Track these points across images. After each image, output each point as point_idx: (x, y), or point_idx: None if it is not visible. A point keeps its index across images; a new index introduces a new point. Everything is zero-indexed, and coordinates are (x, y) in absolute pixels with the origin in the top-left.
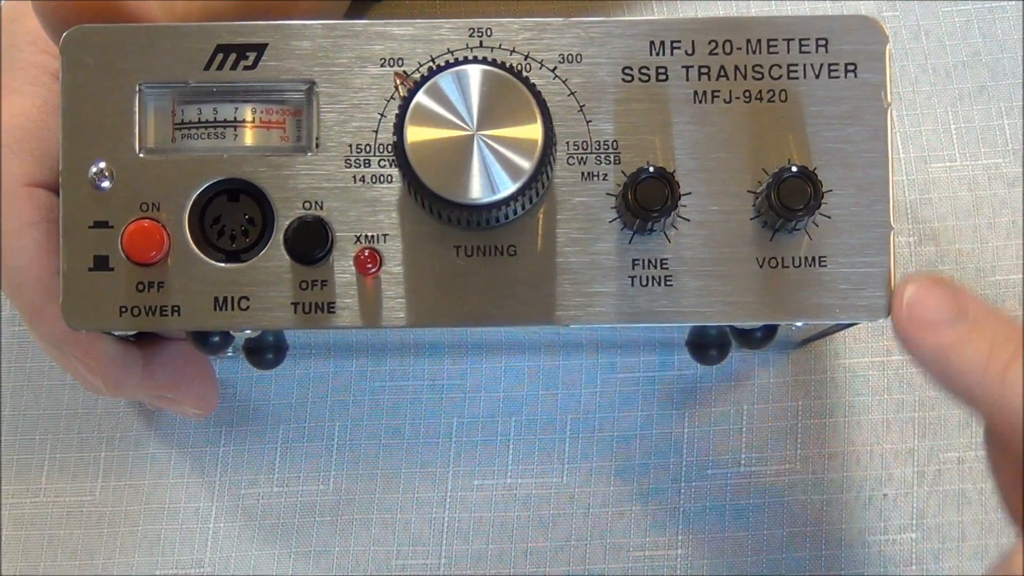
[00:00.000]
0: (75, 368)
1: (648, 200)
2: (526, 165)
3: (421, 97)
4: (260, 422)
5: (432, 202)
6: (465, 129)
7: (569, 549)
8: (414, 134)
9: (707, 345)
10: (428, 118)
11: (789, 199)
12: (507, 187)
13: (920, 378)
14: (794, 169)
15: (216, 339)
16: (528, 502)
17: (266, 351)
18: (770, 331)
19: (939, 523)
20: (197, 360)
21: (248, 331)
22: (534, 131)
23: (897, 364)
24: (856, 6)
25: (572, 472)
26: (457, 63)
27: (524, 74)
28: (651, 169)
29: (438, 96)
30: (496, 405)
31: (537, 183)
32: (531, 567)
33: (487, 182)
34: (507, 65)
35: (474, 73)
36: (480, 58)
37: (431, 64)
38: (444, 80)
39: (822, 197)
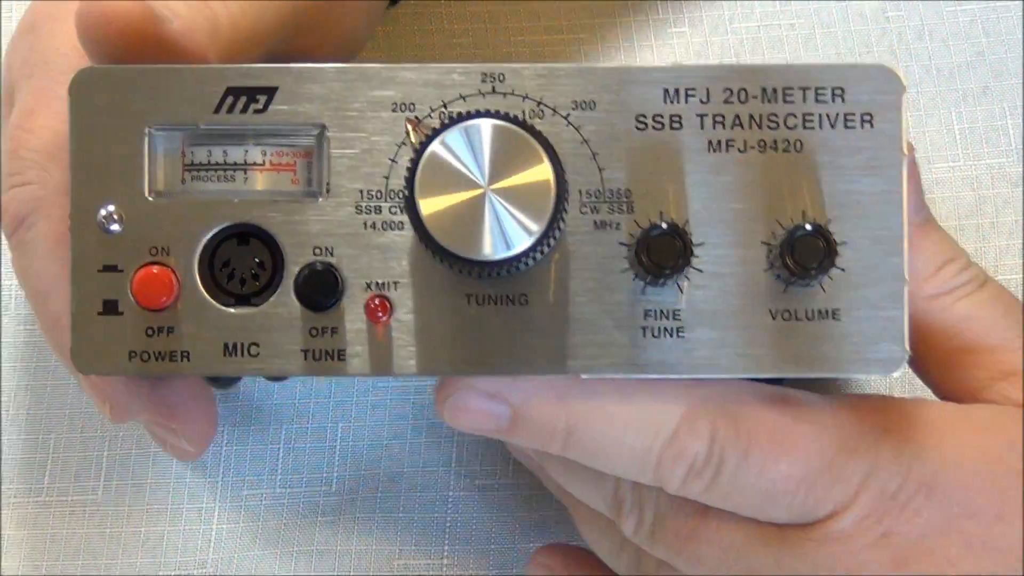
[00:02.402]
0: (81, 382)
1: (661, 257)
2: (539, 221)
3: (431, 152)
4: (263, 423)
5: (443, 257)
6: (476, 184)
7: None
8: (425, 190)
9: None
10: (439, 176)
11: (803, 257)
12: (520, 242)
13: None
14: (808, 227)
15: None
16: (530, 502)
17: None
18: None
19: None
20: (203, 398)
21: (258, 376)
22: (546, 184)
23: None
24: (860, 7)
25: None
26: (468, 116)
27: (536, 127)
28: (664, 225)
29: (449, 151)
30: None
31: (550, 236)
32: None
33: (499, 239)
34: (518, 118)
35: (485, 127)
36: (494, 112)
37: (443, 110)
38: (454, 135)
39: (836, 254)
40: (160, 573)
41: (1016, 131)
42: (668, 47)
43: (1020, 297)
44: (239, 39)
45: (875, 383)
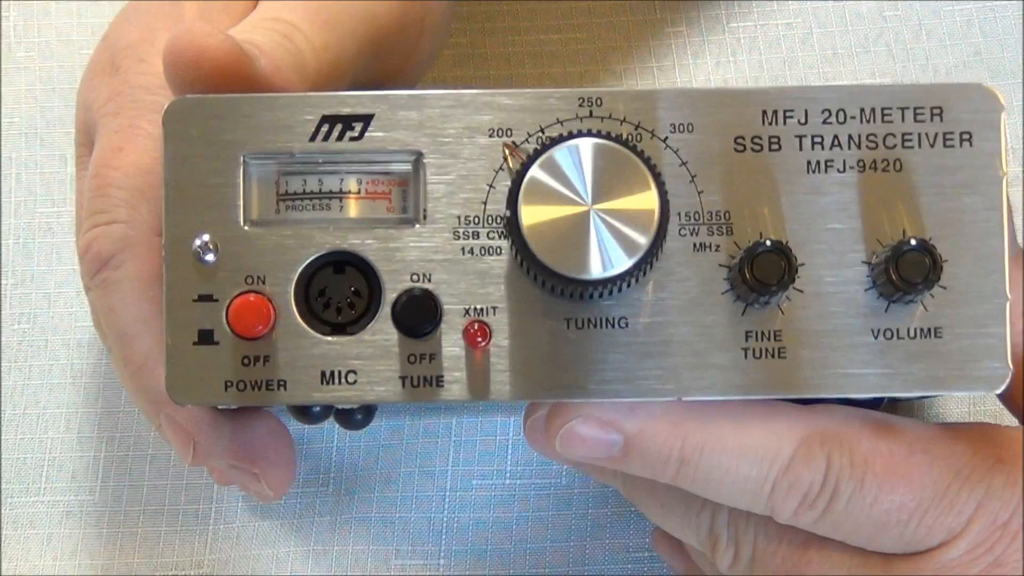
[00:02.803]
0: (160, 425)
1: (765, 274)
2: (643, 240)
3: (535, 171)
4: None
5: (546, 277)
6: (580, 204)
7: (569, 549)
8: (529, 211)
9: None
10: (542, 193)
11: (908, 272)
12: (623, 262)
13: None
14: (913, 242)
15: (317, 410)
16: (527, 502)
17: (356, 411)
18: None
19: None
20: (284, 443)
21: (353, 405)
22: (650, 205)
23: None
24: (857, 7)
25: (571, 472)
26: (571, 136)
27: (639, 147)
28: (768, 243)
29: (552, 170)
30: (495, 404)
31: (652, 258)
32: (530, 567)
33: (603, 258)
34: (622, 138)
35: (589, 147)
36: (594, 131)
37: (540, 135)
38: (559, 154)
39: (941, 270)
40: (157, 573)
41: (1013, 130)
42: (665, 47)
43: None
44: (324, 71)
45: (961, 409)
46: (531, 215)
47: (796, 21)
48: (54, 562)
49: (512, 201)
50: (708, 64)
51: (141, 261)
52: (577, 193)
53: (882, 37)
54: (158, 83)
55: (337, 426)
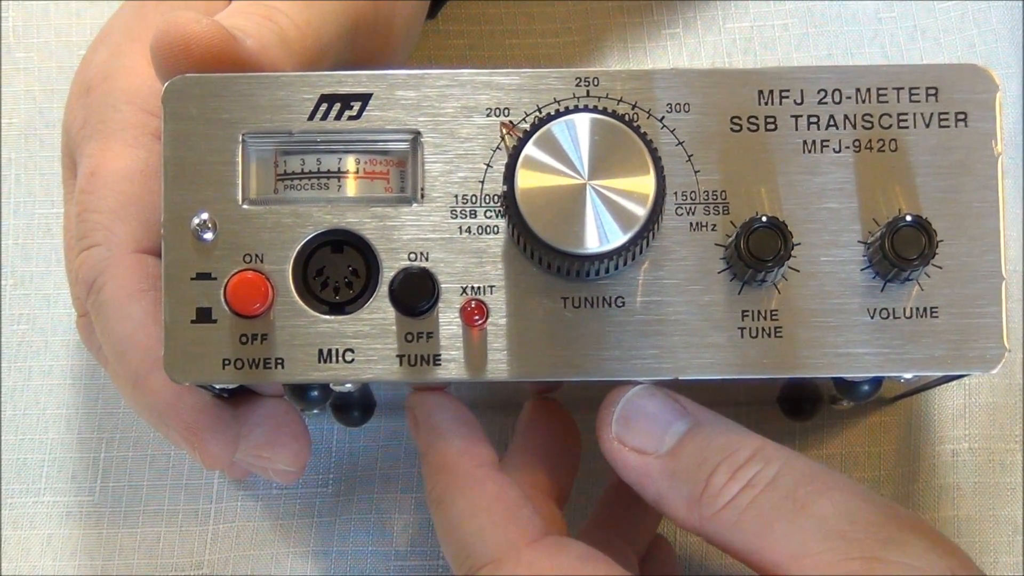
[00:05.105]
0: (170, 435)
1: (761, 250)
2: (639, 214)
3: (532, 145)
4: None
5: (542, 252)
6: (576, 178)
7: None
8: (525, 183)
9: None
10: (539, 167)
11: (903, 248)
12: (618, 237)
13: None
14: (908, 218)
15: (315, 394)
16: None
17: (353, 408)
18: (877, 382)
19: (934, 519)
20: (292, 419)
21: (349, 385)
22: (646, 181)
23: None
24: (853, 8)
25: None
26: (569, 111)
27: (636, 123)
28: (764, 219)
29: (549, 145)
30: (494, 398)
31: (648, 233)
32: None
33: (598, 232)
34: (619, 114)
35: (586, 122)
36: (592, 107)
37: (538, 113)
38: (556, 128)
39: (936, 247)
40: (156, 574)
41: (1010, 120)
42: (661, 48)
43: (1021, 298)
44: (308, 47)
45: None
46: (528, 190)
47: (792, 22)
48: (54, 562)
49: (509, 176)
50: (704, 65)
51: (118, 281)
52: (574, 168)
53: (877, 38)
54: (125, 97)
55: (337, 427)
